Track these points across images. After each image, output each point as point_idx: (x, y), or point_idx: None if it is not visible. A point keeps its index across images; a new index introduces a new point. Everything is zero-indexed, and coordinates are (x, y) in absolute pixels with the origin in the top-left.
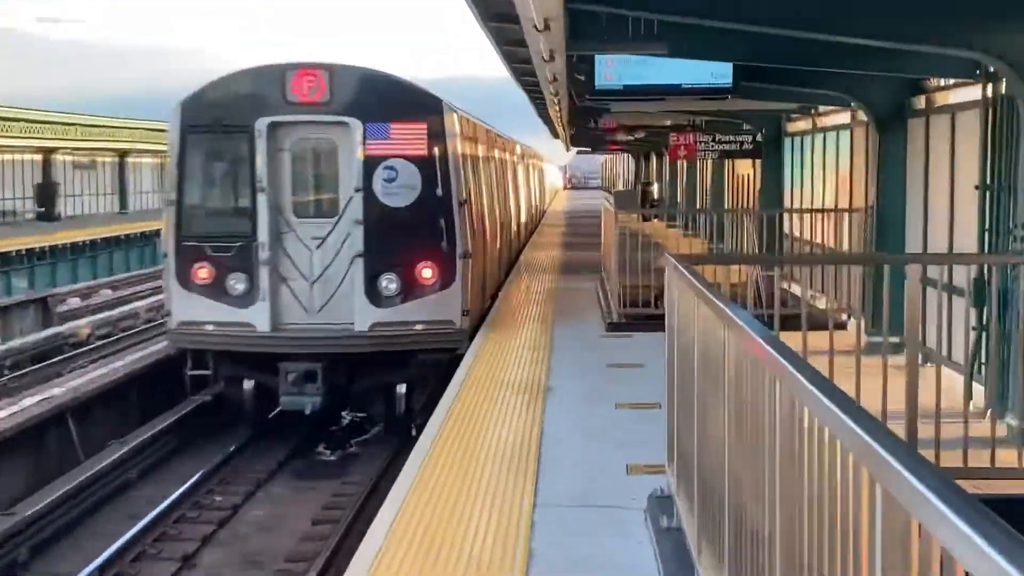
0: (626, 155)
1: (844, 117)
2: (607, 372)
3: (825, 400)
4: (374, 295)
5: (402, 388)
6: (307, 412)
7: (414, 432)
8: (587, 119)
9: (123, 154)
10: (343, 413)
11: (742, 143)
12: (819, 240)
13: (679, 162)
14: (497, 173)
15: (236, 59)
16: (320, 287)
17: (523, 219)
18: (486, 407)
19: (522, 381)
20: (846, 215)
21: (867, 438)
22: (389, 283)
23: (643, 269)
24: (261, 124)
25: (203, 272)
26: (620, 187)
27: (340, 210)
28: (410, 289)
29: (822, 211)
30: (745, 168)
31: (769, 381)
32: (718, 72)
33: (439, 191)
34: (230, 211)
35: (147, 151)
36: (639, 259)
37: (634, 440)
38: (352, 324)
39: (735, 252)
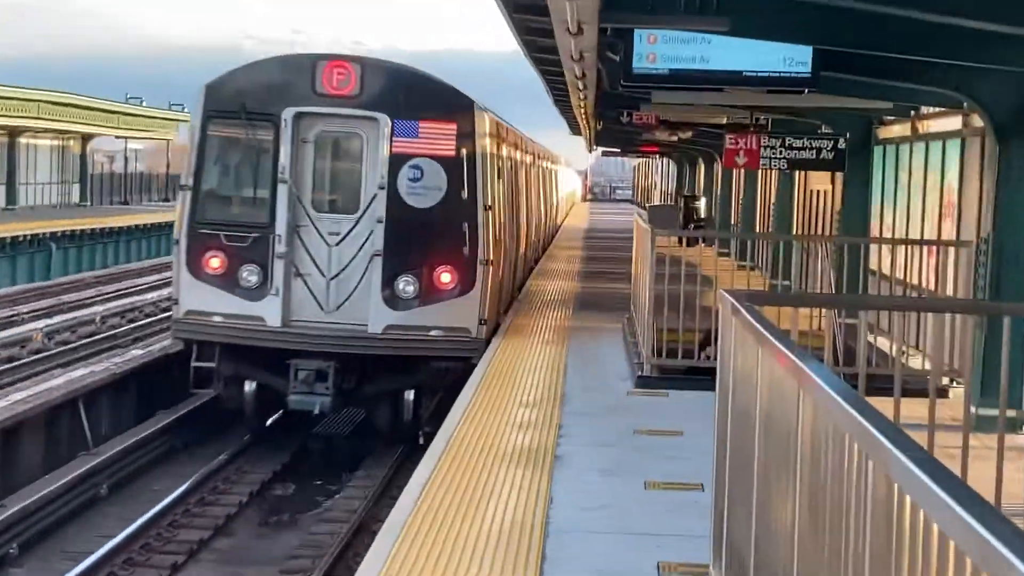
0: (665, 160)
1: (954, 122)
2: (634, 440)
3: (936, 488)
4: (390, 297)
5: (410, 395)
6: (316, 412)
7: (422, 440)
8: (618, 111)
9: (13, 133)
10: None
11: (819, 151)
12: (915, 280)
13: (735, 172)
14: (521, 180)
15: (140, 24)
16: (336, 285)
17: (533, 236)
18: (473, 483)
19: (523, 448)
20: (952, 249)
21: (994, 542)
22: (407, 285)
23: (685, 308)
24: (287, 114)
25: (215, 261)
26: (656, 201)
27: (362, 207)
28: (428, 293)
29: (921, 243)
30: (821, 183)
31: (859, 460)
32: (793, 58)
33: (465, 194)
34: (248, 200)
35: (46, 130)
36: (680, 295)
37: (668, 530)
38: (366, 325)
39: (805, 292)
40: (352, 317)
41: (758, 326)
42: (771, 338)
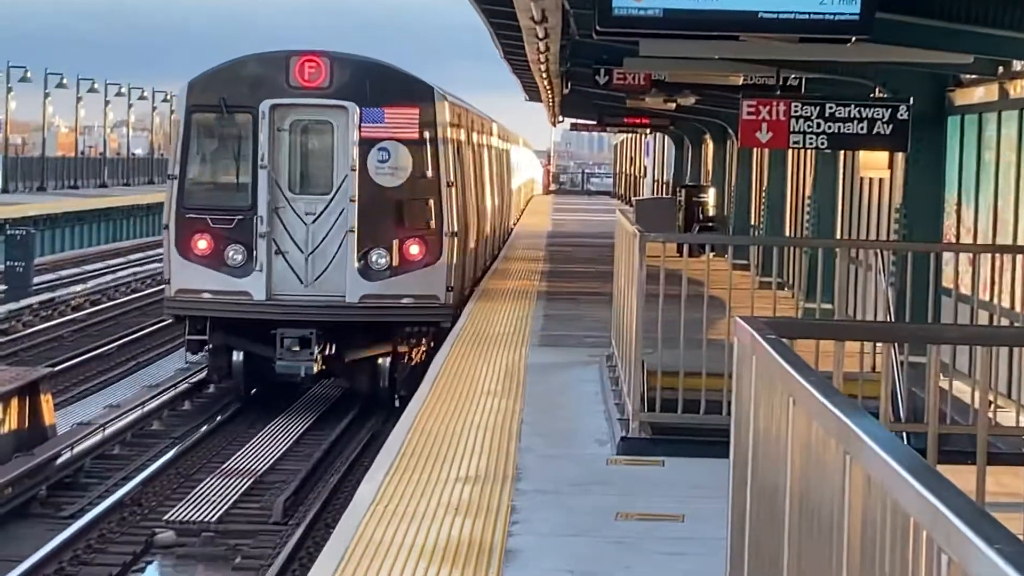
0: (658, 137)
1: None
2: (616, 528)
3: None
4: (364, 268)
5: (386, 362)
6: (302, 375)
7: (397, 404)
8: (592, 69)
9: None
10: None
11: (873, 123)
12: (1007, 303)
13: (756, 154)
14: (481, 158)
15: None
16: (314, 260)
17: (487, 225)
18: None
19: (459, 543)
20: None
21: None
22: (379, 258)
23: (687, 342)
24: (264, 106)
25: (202, 243)
26: (647, 193)
27: (334, 188)
28: (399, 264)
29: (1014, 250)
30: (876, 168)
31: (928, 554)
32: None
33: (429, 172)
34: (231, 186)
35: None
36: (680, 322)
37: None
38: (343, 295)
39: (852, 319)
40: (330, 289)
41: (787, 367)
42: (806, 384)
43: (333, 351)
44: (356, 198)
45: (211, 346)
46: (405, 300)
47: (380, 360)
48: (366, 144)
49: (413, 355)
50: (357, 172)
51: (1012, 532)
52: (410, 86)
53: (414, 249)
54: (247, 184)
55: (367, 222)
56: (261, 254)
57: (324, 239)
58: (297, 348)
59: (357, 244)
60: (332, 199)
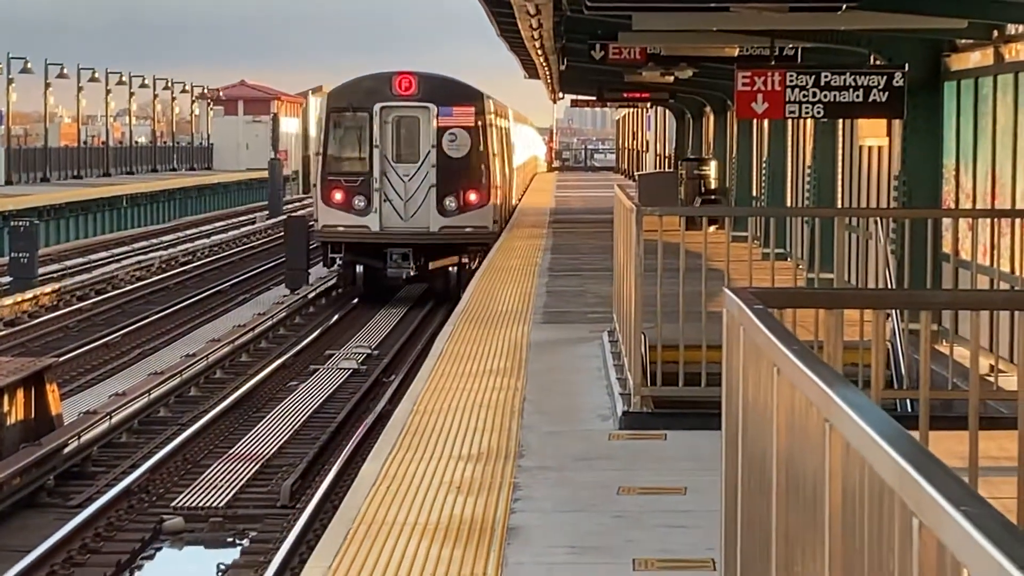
0: (659, 111)
1: None
2: (619, 503)
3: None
4: (441, 209)
5: (455, 269)
6: (403, 277)
7: (463, 298)
8: (588, 44)
9: None
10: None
11: (869, 91)
12: (1006, 267)
13: (755, 125)
14: (508, 138)
15: None
16: (408, 204)
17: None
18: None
19: (462, 521)
20: None
21: None
22: (450, 202)
23: (687, 315)
24: (376, 107)
25: (338, 195)
26: (650, 168)
27: (421, 158)
28: (463, 206)
29: (1012, 214)
30: (874, 136)
31: (901, 522)
32: None
33: (481, 148)
34: (355, 159)
35: None
36: (679, 296)
37: None
38: (428, 226)
39: (851, 287)
40: (419, 222)
41: (771, 337)
42: (788, 353)
43: (422, 262)
44: (435, 164)
45: (343, 262)
46: (467, 229)
47: (451, 268)
48: (441, 130)
49: (471, 264)
50: (435, 148)
51: (979, 494)
52: (468, 91)
53: (472, 196)
54: (365, 157)
55: (442, 180)
56: (375, 201)
57: (415, 191)
58: (400, 260)
59: (436, 193)
60: (420, 166)
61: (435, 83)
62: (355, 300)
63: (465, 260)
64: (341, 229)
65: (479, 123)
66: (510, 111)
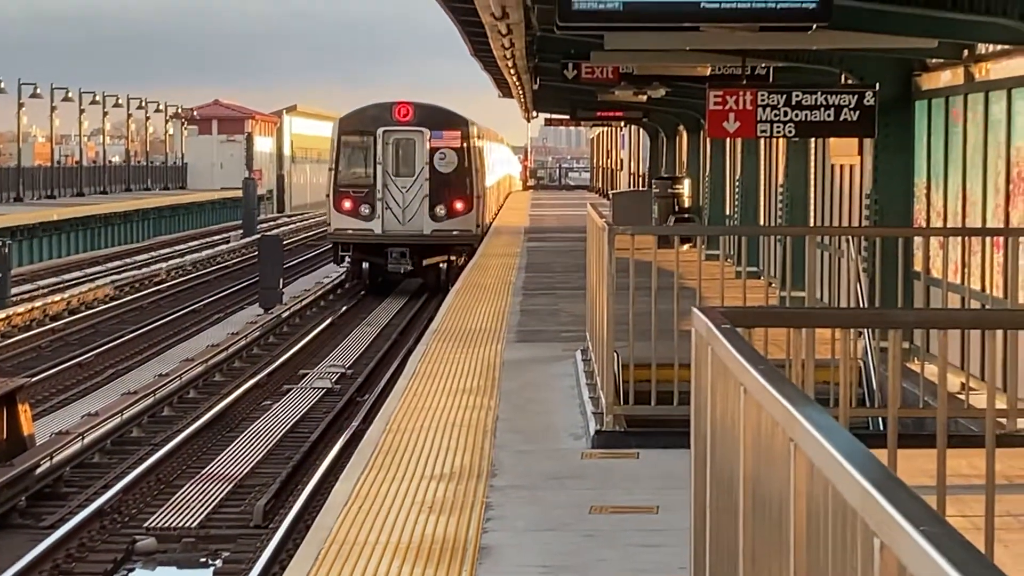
0: (633, 130)
1: (1021, 63)
2: (591, 522)
3: None
4: (432, 216)
5: (444, 266)
6: (401, 272)
7: (451, 289)
8: (561, 63)
9: None
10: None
11: (840, 110)
12: (977, 285)
13: (729, 144)
14: (486, 155)
15: None
16: (406, 211)
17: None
18: None
19: (434, 541)
20: None
21: None
22: (440, 210)
23: (660, 333)
24: (380, 131)
25: (347, 204)
26: (624, 186)
27: (416, 173)
28: (451, 213)
29: (982, 233)
30: (845, 155)
31: (864, 541)
32: None
33: (465, 164)
34: (362, 173)
35: None
36: (651, 315)
37: None
38: (422, 230)
39: (823, 305)
40: (415, 227)
41: (738, 356)
42: (754, 373)
43: (417, 259)
44: (428, 178)
45: (351, 259)
46: (455, 232)
47: (441, 264)
48: (433, 150)
49: (458, 262)
50: (428, 165)
51: (938, 514)
52: (455, 118)
53: (458, 205)
54: (370, 172)
55: (433, 191)
56: (378, 209)
57: (411, 200)
58: (399, 258)
59: (429, 202)
60: (415, 179)
61: (428, 111)
62: (339, 310)
63: (452, 258)
64: (350, 232)
65: (464, 144)
66: (489, 133)
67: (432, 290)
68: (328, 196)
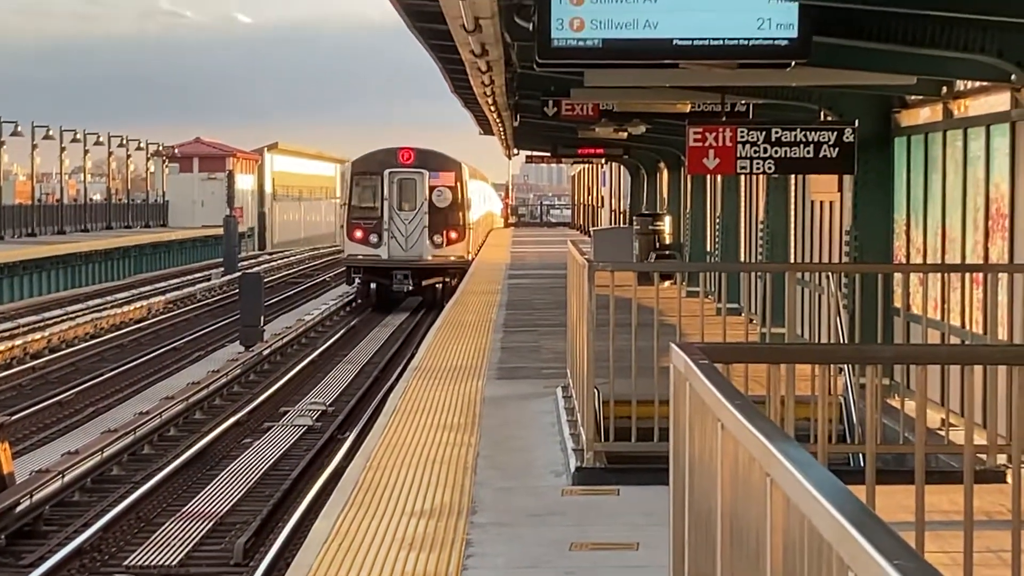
0: (614, 167)
1: (999, 100)
2: (571, 559)
3: None
4: (431, 244)
5: (440, 286)
6: (405, 291)
7: (445, 306)
8: (541, 100)
9: None
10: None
11: (819, 147)
12: (957, 321)
13: (709, 180)
14: (474, 192)
15: None
16: (408, 240)
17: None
18: None
19: (414, 575)
20: (1004, 276)
21: None
22: (438, 239)
23: (640, 370)
24: (386, 172)
25: (358, 233)
26: (605, 223)
27: (417, 207)
28: (447, 242)
29: (961, 269)
30: (825, 191)
31: (839, 574)
32: (772, 19)
33: (459, 200)
34: (371, 208)
35: None
36: (632, 351)
37: None
38: (422, 256)
39: (803, 341)
40: (416, 253)
41: (716, 392)
42: (731, 409)
43: (417, 281)
44: (427, 212)
45: (360, 281)
46: (450, 257)
47: (438, 285)
48: (431, 188)
49: (452, 283)
50: (427, 200)
51: (912, 548)
52: (450, 161)
53: (452, 235)
54: (378, 207)
55: (432, 223)
56: (385, 238)
57: (413, 230)
58: (402, 279)
59: (428, 232)
60: (416, 213)
61: (427, 155)
62: (320, 347)
63: (447, 279)
64: (360, 257)
65: (457, 183)
66: (477, 172)
67: (429, 306)
68: (342, 227)
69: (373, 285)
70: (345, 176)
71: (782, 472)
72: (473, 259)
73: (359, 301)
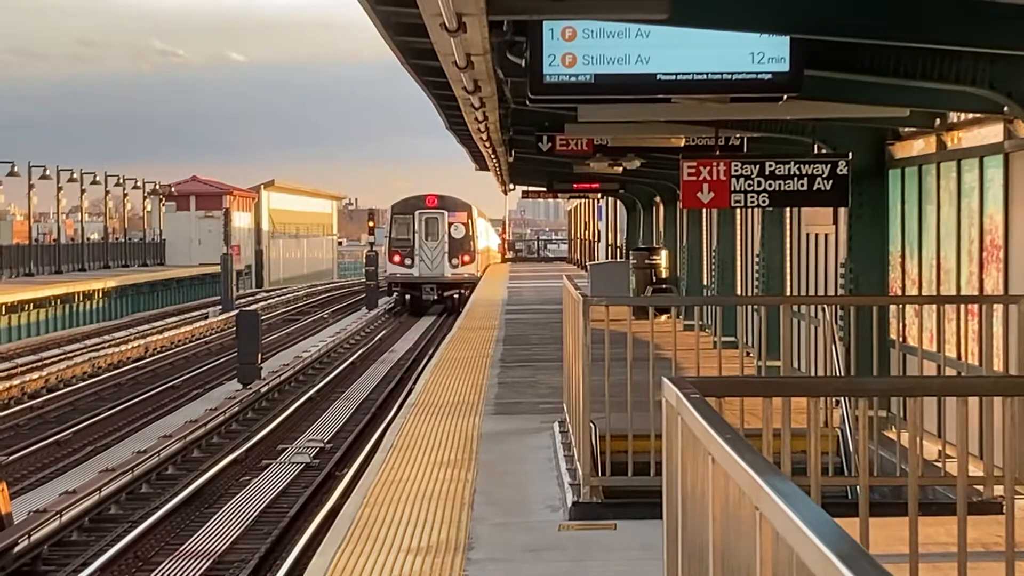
0: (610, 201)
1: (992, 132)
2: None
3: None
4: (450, 265)
5: (456, 296)
6: (432, 299)
7: (461, 312)
8: (536, 136)
9: None
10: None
11: (813, 179)
12: (952, 353)
13: (705, 214)
14: (478, 226)
15: None
16: (433, 262)
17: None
18: None
19: None
20: (1000, 309)
21: None
22: (455, 261)
23: (636, 404)
24: (416, 212)
25: (396, 258)
26: (602, 257)
27: (440, 238)
28: (460, 264)
29: (957, 300)
30: (820, 222)
31: None
32: (764, 52)
33: (470, 232)
34: (406, 239)
35: None
36: (627, 385)
37: None
38: (444, 274)
39: (800, 374)
40: (439, 272)
41: (706, 426)
42: (721, 443)
43: (440, 292)
44: (447, 241)
45: (397, 294)
46: (464, 275)
47: (455, 295)
48: (450, 224)
49: (466, 293)
50: (447, 233)
51: None
52: (463, 203)
53: (466, 258)
54: (411, 238)
55: (450, 249)
56: (416, 261)
57: (437, 255)
58: (429, 291)
59: (448, 257)
60: (439, 242)
61: (446, 199)
62: (318, 384)
63: (462, 290)
64: (398, 275)
65: (468, 220)
66: (481, 212)
67: (449, 311)
68: (385, 253)
69: (407, 296)
70: (388, 215)
71: (770, 505)
72: (481, 276)
73: (397, 308)
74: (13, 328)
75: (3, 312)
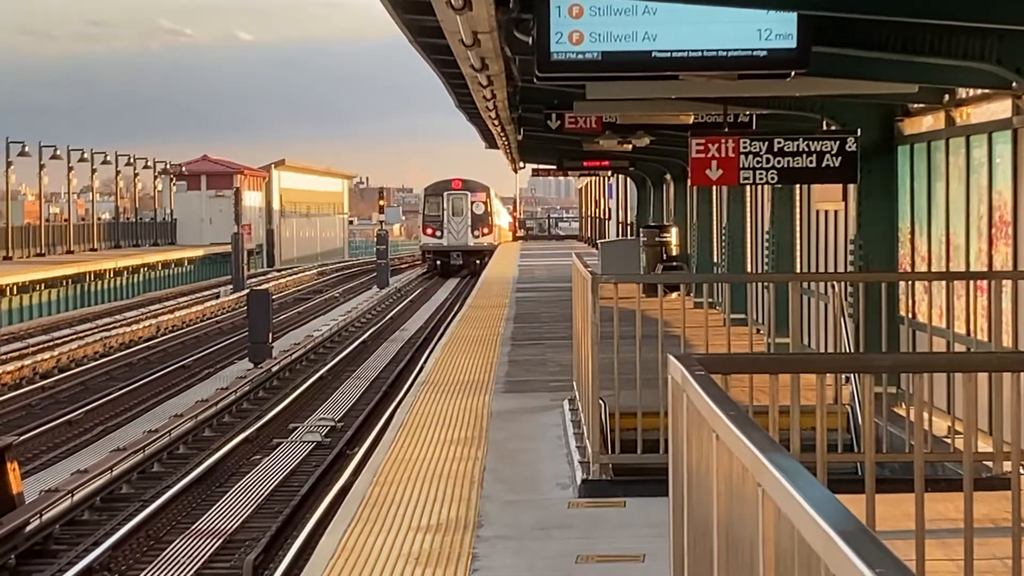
0: (620, 179)
1: (1001, 107)
2: (578, 572)
3: None
4: (472, 236)
5: (476, 261)
6: (459, 263)
7: (481, 274)
8: (544, 114)
9: None
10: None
11: (821, 156)
12: (962, 329)
13: (715, 191)
14: (495, 204)
15: None
16: (459, 233)
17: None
18: None
19: None
20: (1009, 285)
21: None
22: (476, 233)
23: (645, 382)
24: (444, 193)
25: (429, 231)
26: (612, 235)
27: (464, 214)
28: (481, 235)
29: (966, 276)
30: (829, 200)
31: None
32: (772, 29)
33: (488, 210)
34: (436, 215)
35: None
36: (637, 363)
37: None
38: (467, 243)
39: (809, 351)
40: (464, 242)
41: (710, 403)
42: (725, 419)
43: (465, 259)
44: (470, 216)
45: (431, 259)
46: (484, 244)
47: (477, 261)
48: (472, 202)
49: (486, 259)
50: (469, 210)
51: (896, 556)
52: (482, 185)
53: (485, 230)
54: (440, 214)
55: (472, 223)
56: (446, 233)
57: (462, 228)
58: (455, 257)
59: (471, 229)
60: (464, 217)
61: (469, 182)
62: (329, 363)
63: (483, 257)
64: (431, 245)
65: (487, 199)
66: (496, 194)
67: (472, 274)
68: (420, 227)
69: (438, 261)
70: (421, 196)
71: (772, 482)
72: (498, 245)
73: (429, 272)
74: (25, 308)
75: (15, 292)
